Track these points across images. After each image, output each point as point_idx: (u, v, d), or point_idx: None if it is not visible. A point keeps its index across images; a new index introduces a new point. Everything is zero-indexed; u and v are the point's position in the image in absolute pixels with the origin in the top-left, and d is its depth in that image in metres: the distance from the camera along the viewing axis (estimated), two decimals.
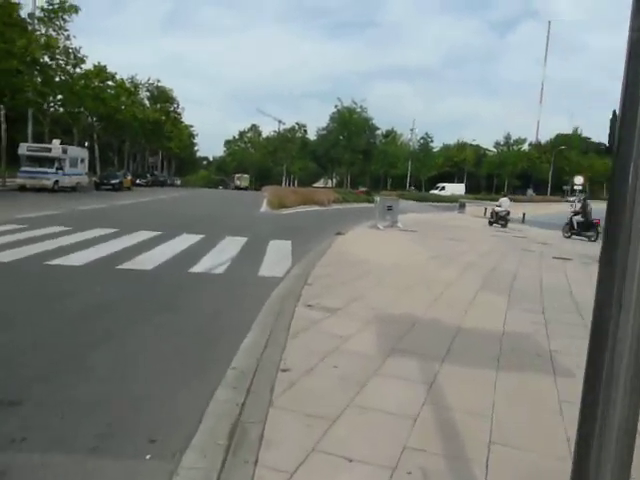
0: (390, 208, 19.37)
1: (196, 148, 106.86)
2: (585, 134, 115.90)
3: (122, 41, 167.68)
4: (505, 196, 27.39)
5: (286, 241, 13.17)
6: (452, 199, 54.43)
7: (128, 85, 56.77)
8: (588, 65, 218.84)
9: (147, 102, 63.69)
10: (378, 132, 64.60)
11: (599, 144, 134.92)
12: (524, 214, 36.48)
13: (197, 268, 8.63)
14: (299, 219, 21.74)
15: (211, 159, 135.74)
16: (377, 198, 18.86)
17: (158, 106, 63.77)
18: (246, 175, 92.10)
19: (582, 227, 19.90)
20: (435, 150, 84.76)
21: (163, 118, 63.27)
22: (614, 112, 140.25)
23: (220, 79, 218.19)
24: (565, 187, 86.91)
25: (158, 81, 63.20)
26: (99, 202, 23.95)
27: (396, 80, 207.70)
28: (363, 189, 57.19)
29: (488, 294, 7.56)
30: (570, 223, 20.56)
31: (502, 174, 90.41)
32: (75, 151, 34.17)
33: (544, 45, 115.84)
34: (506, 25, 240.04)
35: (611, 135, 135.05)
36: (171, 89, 65.91)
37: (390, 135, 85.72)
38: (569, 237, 20.17)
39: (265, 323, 5.39)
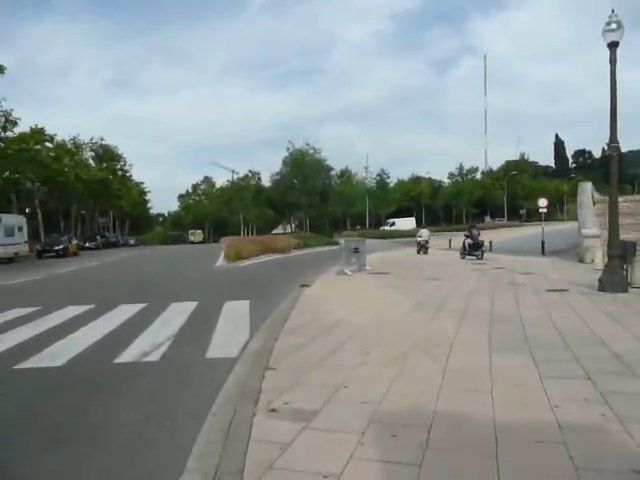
0: (357, 250, 17.73)
1: (149, 205, 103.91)
2: (532, 159, 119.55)
3: (68, 109, 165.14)
4: (424, 228, 32.54)
5: (243, 301, 11.24)
6: (412, 233, 54.03)
7: (70, 146, 54.46)
8: (527, 94, 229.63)
9: (92, 162, 61.27)
10: (333, 172, 63.95)
11: (546, 167, 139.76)
12: (490, 242, 35.74)
13: (126, 356, 6.60)
14: (258, 271, 19.83)
15: (167, 215, 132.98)
16: (341, 240, 17.21)
17: (104, 165, 61.36)
18: (199, 230, 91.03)
19: (472, 248, 23.48)
20: (391, 186, 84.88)
21: (110, 177, 60.86)
22: (557, 135, 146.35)
23: (170, 135, 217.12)
24: (522, 211, 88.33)
25: (102, 139, 61.10)
26: (36, 273, 21.47)
27: (345, 122, 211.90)
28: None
29: (504, 357, 5.82)
30: (463, 246, 24.07)
31: (459, 204, 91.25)
32: (10, 219, 31.63)
33: (483, 78, 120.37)
34: (445, 62, 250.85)
35: (556, 157, 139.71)
36: (115, 146, 63.83)
37: (345, 175, 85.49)
38: (463, 257, 23.39)
39: (205, 461, 3.45)
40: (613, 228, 11.41)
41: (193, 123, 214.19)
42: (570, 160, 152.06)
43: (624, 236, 24.55)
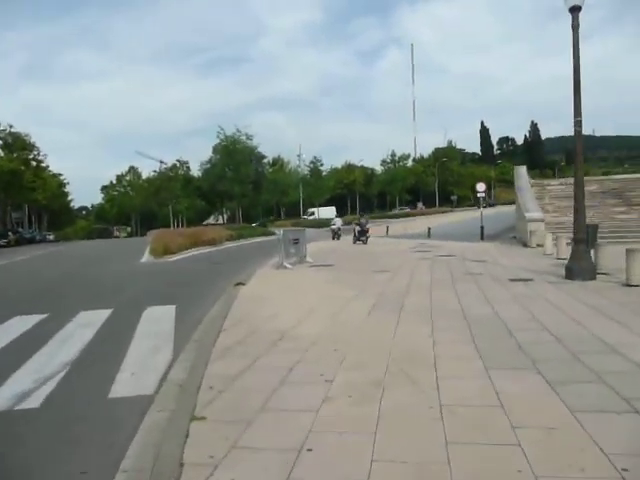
0: (297, 241, 16.20)
1: (70, 198, 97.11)
2: (459, 146, 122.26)
3: None
4: (338, 217, 37.23)
5: (168, 307, 9.42)
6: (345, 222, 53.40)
7: None
8: (452, 84, 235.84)
9: (0, 151, 55.80)
10: (265, 161, 61.81)
11: (473, 154, 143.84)
12: (429, 228, 35.32)
13: None
14: (188, 267, 17.87)
15: (91, 208, 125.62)
16: (279, 231, 15.61)
17: (14, 155, 56.04)
18: (125, 226, 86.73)
19: (360, 234, 26.66)
20: (324, 174, 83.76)
21: (22, 168, 55.67)
22: (482, 123, 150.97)
23: (93, 124, 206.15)
24: (453, 197, 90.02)
25: (11, 127, 55.66)
26: None
27: (276, 111, 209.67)
28: None
29: (507, 377, 4.50)
30: (354, 233, 27.37)
31: (393, 191, 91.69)
32: None
33: (411, 68, 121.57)
34: (372, 54, 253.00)
35: (482, 144, 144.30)
36: (27, 134, 58.36)
37: (277, 163, 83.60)
38: (354, 243, 26.51)
39: None
40: (579, 210, 10.47)
41: (117, 111, 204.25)
42: (495, 147, 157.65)
43: (561, 219, 24.53)
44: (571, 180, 33.16)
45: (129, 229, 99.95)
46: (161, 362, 5.76)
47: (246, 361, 5.30)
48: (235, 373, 4.91)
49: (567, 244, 15.25)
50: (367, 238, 26.57)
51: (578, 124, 10.31)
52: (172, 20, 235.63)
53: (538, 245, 19.77)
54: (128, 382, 5.13)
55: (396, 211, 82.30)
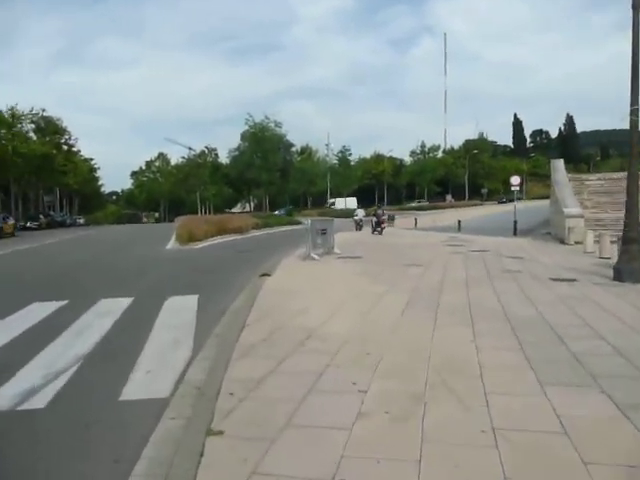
0: (324, 231, 15.69)
1: (100, 182, 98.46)
2: (490, 138, 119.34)
3: (15, 80, 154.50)
4: (360, 208, 37.55)
5: (190, 297, 9.06)
6: (369, 212, 52.65)
7: (7, 116, 49.95)
8: (485, 74, 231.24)
9: (33, 135, 56.58)
10: (293, 149, 61.28)
11: (505, 146, 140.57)
12: (459, 222, 34.43)
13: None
14: (212, 255, 17.55)
15: (121, 193, 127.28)
16: (306, 220, 15.12)
17: (46, 139, 56.78)
18: (154, 212, 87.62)
19: (377, 225, 27.46)
20: (353, 164, 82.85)
21: (54, 152, 56.36)
22: (515, 115, 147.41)
23: (124, 110, 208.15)
24: (483, 190, 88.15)
25: (43, 110, 56.28)
26: None
27: (305, 99, 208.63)
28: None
29: (567, 396, 3.94)
30: (371, 223, 28.25)
31: (422, 182, 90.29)
32: None
33: (443, 58, 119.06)
34: (404, 42, 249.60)
35: (515, 137, 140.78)
36: (59, 119, 59.01)
37: (306, 152, 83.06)
38: (372, 233, 27.16)
39: None
40: (632, 207, 9.67)
41: (148, 98, 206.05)
42: (528, 140, 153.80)
43: (601, 215, 23.45)
44: (610, 175, 32.01)
45: (157, 215, 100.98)
46: (180, 359, 5.36)
47: (271, 363, 4.84)
48: (258, 377, 4.45)
49: (611, 242, 14.42)
50: (382, 229, 27.38)
51: (635, 113, 9.50)
52: (203, 7, 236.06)
53: (576, 242, 18.87)
54: (142, 382, 4.72)
55: (414, 204, 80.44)
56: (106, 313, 7.76)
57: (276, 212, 54.58)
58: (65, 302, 8.71)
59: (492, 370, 4.53)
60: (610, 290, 8.68)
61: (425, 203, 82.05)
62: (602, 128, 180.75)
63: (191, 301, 8.67)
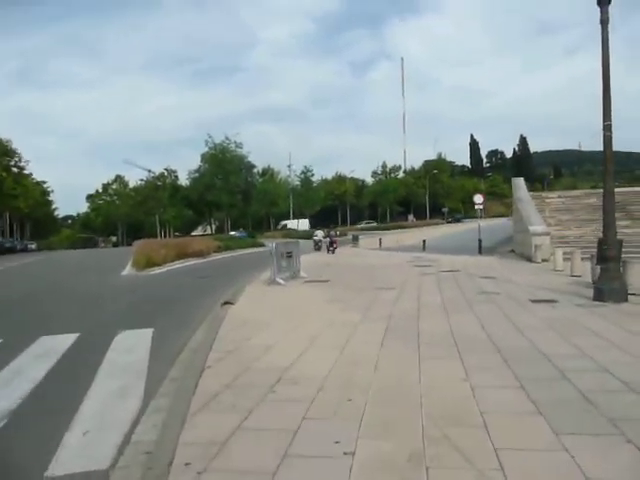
0: (289, 254, 14.97)
1: (54, 206, 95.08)
2: (449, 158, 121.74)
3: None
4: (319, 229, 37.85)
5: (144, 330, 8.16)
6: (310, 234, 52.38)
7: None
8: (442, 97, 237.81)
9: None
10: (255, 170, 60.58)
11: (462, 166, 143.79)
12: (424, 241, 34.34)
13: None
14: (170, 282, 16.52)
15: (77, 217, 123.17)
16: (272, 244, 14.35)
17: None
18: (111, 236, 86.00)
19: (330, 245, 29.98)
20: (315, 185, 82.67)
21: (3, 174, 53.91)
22: (472, 136, 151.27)
23: (81, 132, 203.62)
24: (444, 209, 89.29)
25: None
26: None
27: (266, 121, 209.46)
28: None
29: (593, 451, 3.32)
30: (326, 244, 30.82)
31: (384, 202, 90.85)
32: None
33: (401, 81, 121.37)
34: (363, 66, 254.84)
35: (472, 157, 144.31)
36: (9, 140, 56.57)
37: (267, 173, 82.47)
38: (327, 252, 29.62)
39: None
40: (610, 224, 9.33)
41: (106, 120, 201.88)
42: (484, 160, 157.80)
43: (564, 232, 23.58)
44: (569, 193, 32.48)
45: (115, 239, 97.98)
46: (126, 413, 4.51)
47: (235, 417, 4.04)
48: (221, 438, 3.65)
49: (582, 259, 14.23)
50: (334, 249, 30.06)
51: (607, 128, 9.22)
52: (162, 30, 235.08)
53: (543, 260, 18.75)
54: (78, 447, 3.85)
55: (362, 224, 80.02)
56: (44, 354, 6.79)
57: (233, 233, 53.49)
58: None
59: (496, 417, 3.87)
60: (595, 312, 8.24)
61: (374, 224, 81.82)
62: (554, 149, 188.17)
63: (144, 336, 7.77)
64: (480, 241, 28.01)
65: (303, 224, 69.58)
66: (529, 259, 19.73)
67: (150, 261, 22.20)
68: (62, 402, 4.91)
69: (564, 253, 19.69)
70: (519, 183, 28.82)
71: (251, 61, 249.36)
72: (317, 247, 32.83)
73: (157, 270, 21.26)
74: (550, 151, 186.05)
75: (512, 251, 29.06)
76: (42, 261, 34.56)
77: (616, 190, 31.52)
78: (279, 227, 68.87)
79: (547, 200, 28.57)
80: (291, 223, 69.21)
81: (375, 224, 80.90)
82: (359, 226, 78.04)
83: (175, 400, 4.66)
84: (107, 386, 5.34)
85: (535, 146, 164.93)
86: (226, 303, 10.24)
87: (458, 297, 10.25)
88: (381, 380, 4.90)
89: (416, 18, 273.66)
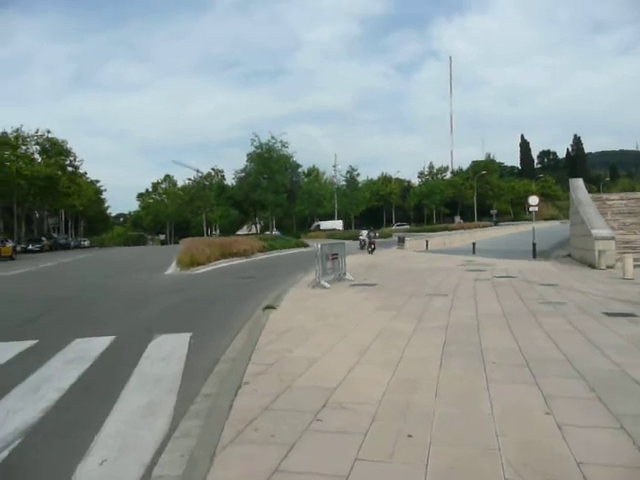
0: (335, 256, 14.32)
1: (106, 205, 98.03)
2: (497, 160, 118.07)
3: (25, 104, 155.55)
4: (366, 229, 36.85)
5: (181, 335, 7.70)
6: (345, 234, 51.32)
7: (11, 138, 49.30)
8: (490, 97, 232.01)
9: (38, 157, 55.86)
10: (300, 170, 60.27)
11: (512, 167, 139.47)
12: (474, 244, 33.01)
13: None
14: (213, 282, 16.15)
15: (128, 215, 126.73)
16: (317, 244, 13.74)
17: (51, 160, 56.05)
18: (160, 234, 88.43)
19: (369, 245, 30.94)
20: (360, 185, 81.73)
21: (58, 173, 55.62)
22: (522, 136, 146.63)
23: (132, 133, 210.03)
24: (492, 211, 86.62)
25: (48, 132, 55.59)
26: None
27: (311, 123, 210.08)
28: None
29: None
30: (363, 242, 33.46)
31: (430, 203, 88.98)
32: None
33: (449, 81, 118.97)
34: (410, 67, 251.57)
35: (522, 158, 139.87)
36: (64, 140, 58.30)
37: (313, 173, 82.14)
38: (362, 248, 32.47)
39: None
40: None
41: (157, 122, 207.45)
42: (535, 161, 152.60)
43: (629, 237, 21.95)
44: (632, 195, 30.49)
45: (163, 237, 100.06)
46: (152, 435, 3.97)
47: (273, 453, 3.40)
48: None
49: None
50: (373, 249, 30.34)
51: None
52: (210, 33, 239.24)
53: (608, 267, 17.39)
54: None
55: (394, 227, 78.12)
56: (76, 359, 6.38)
57: (268, 232, 53.48)
58: (33, 342, 7.37)
59: (600, 472, 3.08)
60: None
61: (406, 226, 79.78)
62: (609, 149, 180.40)
63: (181, 342, 7.29)
64: (534, 245, 26.54)
65: (337, 225, 68.72)
66: (591, 265, 18.36)
67: (194, 260, 22.02)
68: (85, 418, 4.43)
69: (636, 259, 18.31)
70: (578, 184, 27.17)
71: (296, 63, 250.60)
72: (362, 245, 33.78)
73: (201, 269, 21.04)
74: (605, 151, 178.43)
75: (569, 256, 27.46)
76: (92, 258, 35.27)
77: None
78: (312, 228, 68.11)
79: (608, 202, 26.78)
80: (324, 224, 68.38)
81: (408, 226, 79.00)
82: (392, 228, 76.54)
83: (206, 424, 4.08)
84: (135, 401, 4.83)
85: (590, 146, 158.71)
86: (268, 307, 9.68)
87: (519, 307, 9.33)
88: (445, 410, 4.16)
89: (463, 17, 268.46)
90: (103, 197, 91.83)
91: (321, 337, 7.06)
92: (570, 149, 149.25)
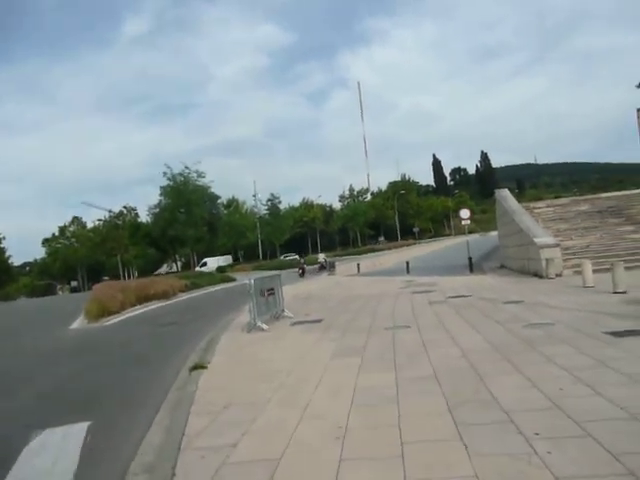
0: (271, 292, 12.30)
1: (8, 254, 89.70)
2: (412, 179, 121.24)
3: None
4: (321, 252, 41.52)
5: (74, 428, 5.41)
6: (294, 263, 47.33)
7: None
8: (399, 121, 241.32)
9: None
10: (219, 201, 57.60)
11: (427, 186, 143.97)
12: (407, 263, 32.11)
13: None
14: (125, 337, 13.53)
15: (34, 263, 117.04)
16: (249, 280, 11.61)
17: None
18: (71, 281, 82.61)
19: (329, 267, 35.65)
20: (282, 213, 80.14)
21: None
22: (434, 155, 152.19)
23: (33, 176, 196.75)
24: (415, 229, 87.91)
25: None
26: None
27: (226, 155, 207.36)
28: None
29: None
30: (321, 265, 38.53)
31: (354, 226, 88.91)
32: None
33: (359, 107, 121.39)
34: (319, 95, 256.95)
35: (435, 176, 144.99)
36: None
37: (232, 204, 79.64)
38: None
39: None
40: None
41: (59, 163, 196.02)
42: (448, 178, 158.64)
43: (567, 243, 21.60)
44: (557, 202, 30.80)
45: (75, 283, 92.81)
46: None
47: None
48: None
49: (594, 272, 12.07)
50: (303, 272, 34.98)
51: None
52: (114, 69, 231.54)
53: (557, 275, 16.59)
54: None
55: (282, 258, 70.83)
56: None
57: (198, 268, 49.61)
58: None
59: None
60: None
61: (295, 256, 73.75)
62: (514, 163, 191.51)
63: (72, 443, 5.01)
64: (470, 259, 25.86)
65: (225, 260, 61.79)
66: (537, 275, 17.52)
67: (105, 309, 19.05)
68: None
69: (573, 266, 17.69)
70: (505, 194, 26.97)
71: (206, 97, 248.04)
72: (322, 268, 37.61)
73: (113, 319, 18.16)
74: (509, 166, 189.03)
75: (502, 267, 27.06)
76: None
77: (606, 195, 29.93)
78: (198, 268, 57.69)
79: (536, 210, 26.71)
80: (211, 261, 59.86)
81: (297, 257, 71.09)
82: (282, 258, 69.58)
83: None
84: None
85: (496, 162, 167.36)
86: (196, 368, 7.49)
87: (504, 335, 7.76)
88: None
89: (367, 47, 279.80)
90: (2, 246, 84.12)
91: (274, 413, 5.02)
92: (479, 165, 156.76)
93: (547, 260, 16.62)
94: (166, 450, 4.36)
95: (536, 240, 17.63)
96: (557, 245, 17.29)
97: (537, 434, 3.75)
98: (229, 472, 3.67)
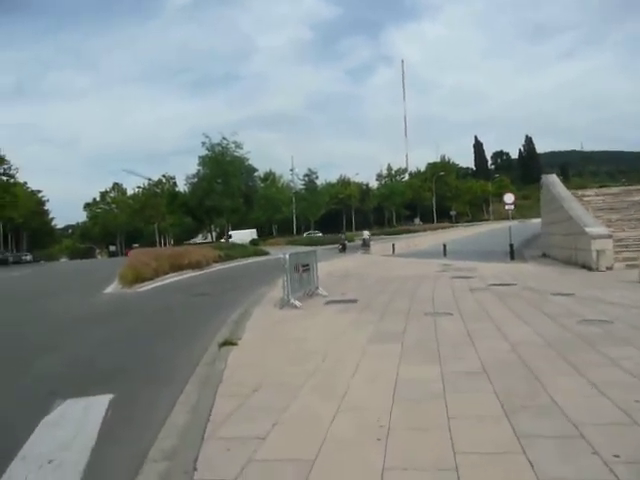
0: (306, 268, 11.90)
1: (51, 216, 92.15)
2: (452, 161, 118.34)
3: None
4: (365, 230, 42.31)
5: (97, 400, 5.13)
6: (335, 239, 46.84)
7: None
8: (442, 100, 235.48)
9: None
10: (256, 174, 57.34)
11: (467, 168, 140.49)
12: (444, 246, 31.34)
13: None
14: (156, 304, 13.40)
15: (77, 226, 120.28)
16: (284, 254, 11.21)
17: None
18: (110, 245, 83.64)
19: (364, 246, 37.27)
20: (319, 189, 79.48)
21: None
22: (475, 137, 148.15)
23: (78, 143, 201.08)
24: (452, 212, 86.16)
25: None
26: None
27: (265, 129, 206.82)
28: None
29: None
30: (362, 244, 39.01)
31: (390, 206, 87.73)
32: None
33: (402, 86, 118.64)
34: (363, 70, 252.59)
35: (476, 158, 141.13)
36: None
37: (269, 178, 79.37)
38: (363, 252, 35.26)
39: None
40: None
41: (102, 130, 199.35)
42: (489, 161, 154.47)
43: (620, 234, 20.46)
44: (605, 191, 29.32)
45: (113, 248, 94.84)
46: None
47: None
48: None
49: None
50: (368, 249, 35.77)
51: None
52: (158, 41, 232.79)
53: (607, 268, 15.66)
54: None
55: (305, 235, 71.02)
56: None
57: (222, 239, 50.11)
58: None
59: None
60: None
61: (319, 234, 71.89)
62: (558, 149, 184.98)
63: (93, 416, 4.72)
64: (512, 246, 24.91)
65: (250, 234, 61.54)
66: (586, 266, 16.60)
67: (139, 275, 19.07)
68: None
69: (625, 259, 16.68)
70: (553, 180, 25.82)
71: (249, 69, 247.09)
72: (365, 247, 37.90)
73: (147, 286, 18.16)
74: (554, 152, 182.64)
75: (545, 255, 26.06)
76: (26, 275, 31.47)
77: None
78: (224, 239, 57.67)
79: (585, 198, 25.43)
80: (236, 234, 59.42)
81: (321, 234, 69.87)
82: (304, 235, 69.29)
83: None
84: None
85: (541, 147, 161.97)
86: (225, 344, 7.16)
87: (557, 330, 7.14)
88: None
89: (415, 23, 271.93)
90: (46, 208, 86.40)
91: (308, 401, 4.60)
92: (522, 149, 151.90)
93: (598, 252, 15.69)
94: (189, 436, 4.00)
95: (587, 230, 16.65)
96: (610, 236, 16.28)
97: (617, 456, 3.21)
98: (255, 472, 3.26)
